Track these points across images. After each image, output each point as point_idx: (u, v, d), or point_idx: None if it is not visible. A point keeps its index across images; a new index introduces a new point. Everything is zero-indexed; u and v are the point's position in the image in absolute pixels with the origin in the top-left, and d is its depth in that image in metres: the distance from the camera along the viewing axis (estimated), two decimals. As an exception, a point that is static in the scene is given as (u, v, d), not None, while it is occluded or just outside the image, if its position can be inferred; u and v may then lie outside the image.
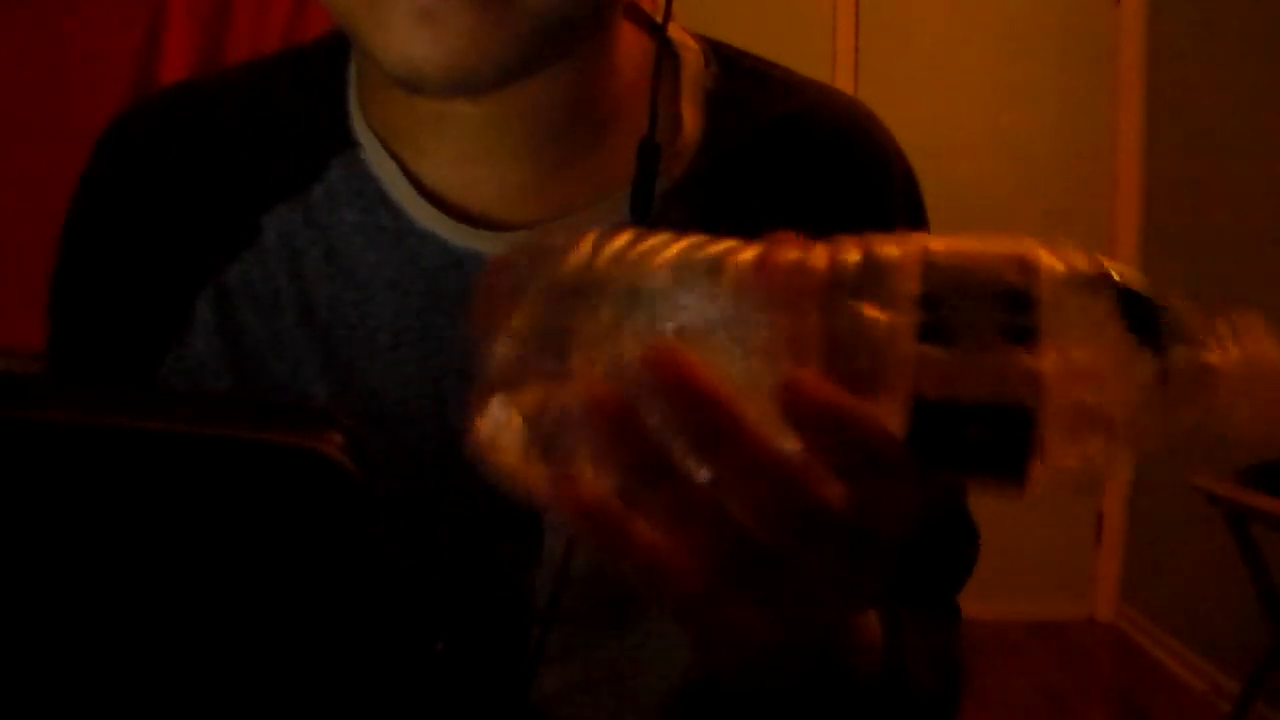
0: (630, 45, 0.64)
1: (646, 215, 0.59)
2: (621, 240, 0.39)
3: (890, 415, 0.36)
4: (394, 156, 0.62)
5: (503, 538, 0.61)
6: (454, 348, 0.62)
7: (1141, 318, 0.36)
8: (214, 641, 0.28)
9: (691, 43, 0.67)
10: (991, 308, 0.35)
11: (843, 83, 3.54)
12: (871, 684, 0.51)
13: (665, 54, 0.65)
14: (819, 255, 0.37)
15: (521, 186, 0.62)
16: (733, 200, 0.63)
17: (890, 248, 0.37)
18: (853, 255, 0.37)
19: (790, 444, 0.36)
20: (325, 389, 0.61)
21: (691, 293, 0.37)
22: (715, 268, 0.38)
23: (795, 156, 0.65)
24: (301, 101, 0.65)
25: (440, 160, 0.62)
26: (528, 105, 0.59)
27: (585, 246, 0.39)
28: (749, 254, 0.38)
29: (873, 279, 0.36)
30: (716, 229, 0.62)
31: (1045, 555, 3.67)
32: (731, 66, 0.67)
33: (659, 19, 0.64)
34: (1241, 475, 2.53)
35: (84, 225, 0.67)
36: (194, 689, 0.28)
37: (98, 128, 0.69)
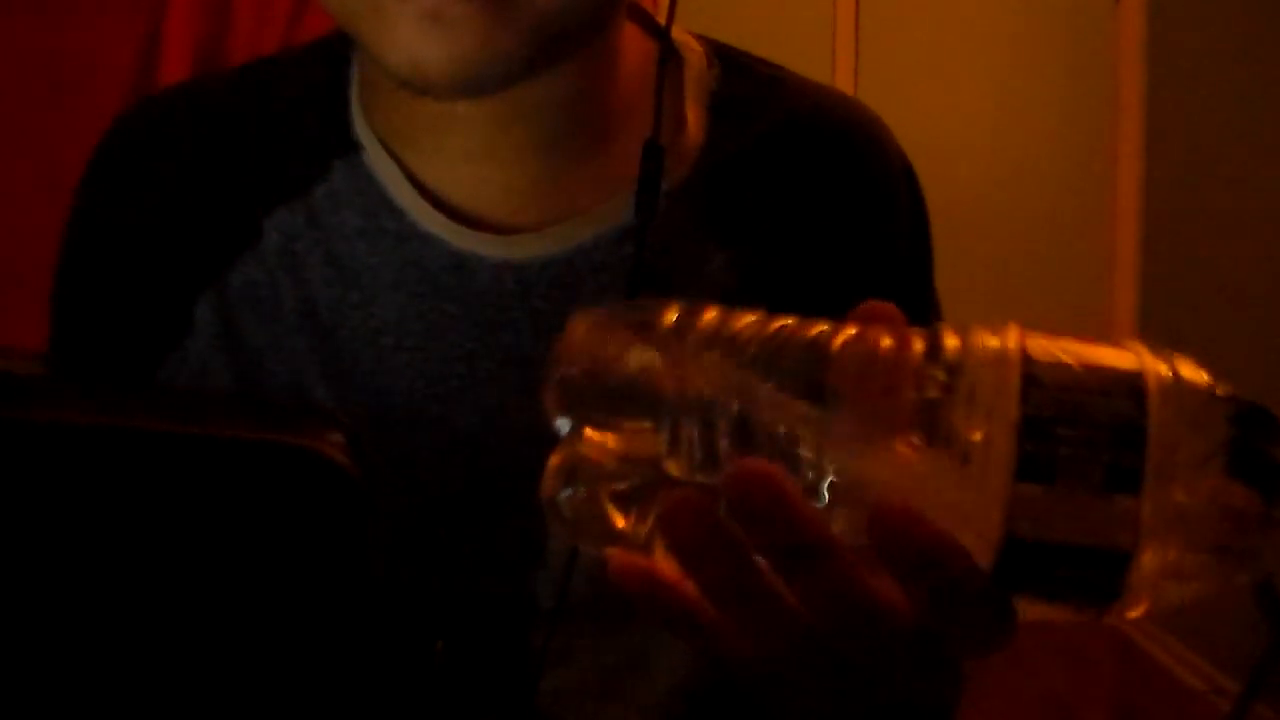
0: (634, 47, 0.64)
1: (652, 217, 0.59)
2: (711, 319, 0.36)
3: (978, 546, 0.34)
4: (396, 158, 0.62)
5: (505, 538, 0.61)
6: (456, 350, 0.61)
7: (1248, 461, 0.34)
8: (214, 641, 0.28)
9: (695, 44, 0.67)
10: (1097, 442, 0.33)
11: (843, 83, 3.54)
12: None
13: (668, 55, 0.65)
14: (915, 342, 0.35)
15: (524, 188, 0.62)
16: (736, 202, 0.63)
17: (989, 345, 0.34)
18: (951, 343, 0.35)
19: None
20: (326, 391, 0.61)
21: (780, 393, 0.35)
22: (813, 364, 0.35)
23: (798, 158, 0.65)
24: (303, 103, 0.65)
25: (442, 162, 0.62)
26: (530, 107, 0.59)
27: (670, 322, 0.36)
28: (845, 345, 0.35)
29: (973, 389, 0.34)
30: (719, 230, 0.62)
31: (1045, 555, 3.67)
32: (735, 68, 0.67)
33: (662, 20, 0.64)
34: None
35: (85, 226, 0.67)
36: (194, 689, 0.28)
37: (98, 129, 0.69)
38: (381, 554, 0.28)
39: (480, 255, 0.61)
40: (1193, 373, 0.35)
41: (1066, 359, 0.34)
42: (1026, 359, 0.34)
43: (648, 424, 0.36)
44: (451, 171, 0.62)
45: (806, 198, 0.63)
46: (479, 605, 0.61)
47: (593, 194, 0.62)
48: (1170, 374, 0.34)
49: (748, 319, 0.37)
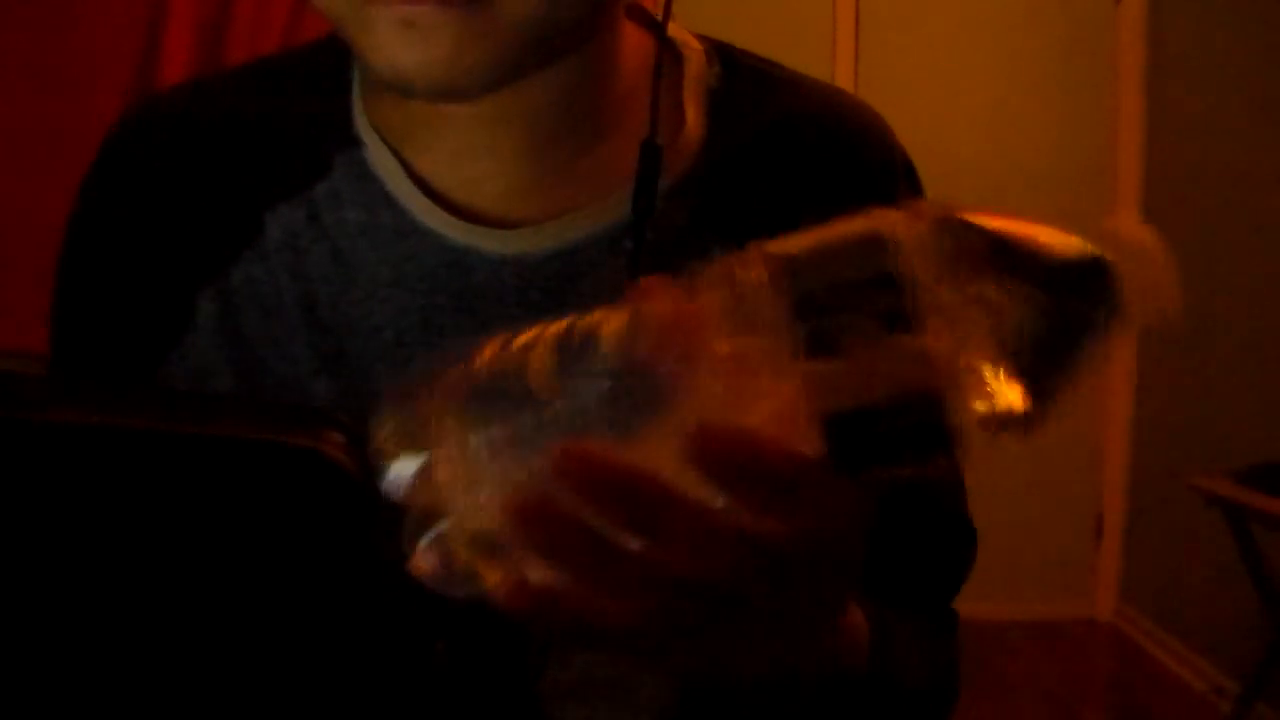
0: (633, 45, 0.64)
1: (650, 214, 0.59)
2: (492, 350, 0.39)
3: (805, 442, 0.35)
4: (396, 155, 0.63)
5: None
6: (455, 344, 0.62)
7: (1007, 254, 0.36)
8: (215, 641, 0.28)
9: (694, 43, 0.67)
10: (862, 300, 0.35)
11: (843, 83, 3.53)
12: (858, 684, 0.51)
13: (668, 53, 0.65)
14: (688, 299, 0.37)
15: (521, 185, 0.62)
16: (734, 199, 0.63)
17: (750, 268, 0.36)
18: (719, 290, 0.37)
19: (708, 493, 0.36)
20: (327, 387, 0.61)
21: (577, 376, 0.37)
22: (592, 343, 0.37)
23: (798, 156, 0.65)
24: (306, 100, 0.65)
25: (439, 158, 0.62)
26: (524, 106, 0.60)
27: (466, 368, 0.39)
28: (619, 320, 0.37)
29: (742, 308, 0.36)
30: (718, 227, 0.62)
31: (1045, 555, 3.68)
32: (734, 66, 0.67)
33: (661, 19, 0.64)
34: (1241, 475, 2.53)
35: (89, 222, 0.67)
36: (195, 688, 0.28)
37: (98, 128, 0.69)
38: (380, 554, 0.28)
39: (479, 250, 0.61)
40: (926, 206, 0.37)
41: (815, 242, 0.36)
42: (786, 258, 0.36)
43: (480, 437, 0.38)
44: (450, 168, 0.62)
45: (806, 194, 0.63)
46: (478, 605, 0.61)
47: (592, 190, 0.62)
48: (903, 217, 0.36)
49: (526, 336, 0.39)
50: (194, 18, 2.25)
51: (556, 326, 0.39)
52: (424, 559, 0.39)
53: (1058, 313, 0.35)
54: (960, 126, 3.59)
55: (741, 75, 0.66)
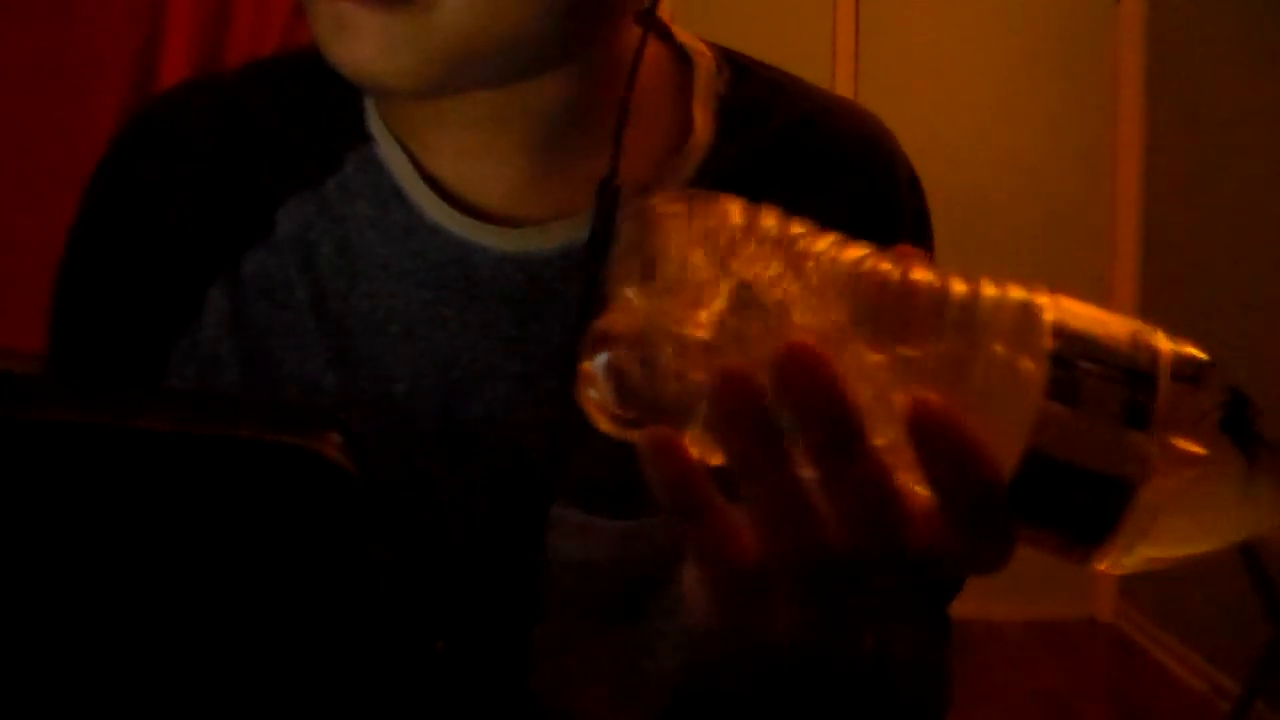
0: (649, 53, 0.65)
1: (602, 256, 0.59)
2: (772, 220, 0.39)
3: (1003, 459, 0.36)
4: (407, 151, 0.63)
5: (506, 528, 0.62)
6: (461, 340, 0.62)
7: (1237, 418, 0.38)
8: (213, 642, 0.28)
9: (704, 49, 0.68)
10: (1116, 381, 0.37)
11: (843, 83, 3.54)
12: (859, 684, 0.51)
13: (678, 60, 0.66)
14: (956, 282, 0.38)
15: (525, 184, 0.62)
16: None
17: (1022, 293, 0.38)
18: (989, 289, 0.38)
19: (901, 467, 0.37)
20: (334, 379, 0.62)
21: (833, 298, 0.37)
22: (858, 279, 0.38)
23: (804, 163, 0.66)
24: (318, 96, 0.66)
25: (444, 156, 0.63)
26: (521, 109, 0.60)
27: (736, 215, 0.39)
28: (888, 268, 0.38)
29: (1007, 322, 0.37)
30: None
31: (1045, 555, 3.67)
32: (743, 73, 0.67)
33: (671, 26, 0.65)
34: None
35: (100, 213, 0.67)
36: (194, 689, 0.28)
37: (98, 128, 0.69)
38: (380, 554, 0.28)
39: (486, 247, 0.62)
40: (1194, 348, 0.40)
41: (1090, 312, 0.38)
42: (1059, 305, 0.38)
43: (696, 290, 0.37)
44: (455, 165, 0.63)
45: (811, 201, 0.64)
46: (479, 596, 0.61)
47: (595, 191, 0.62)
48: (1173, 340, 0.39)
49: (803, 232, 0.39)
50: (194, 18, 2.25)
51: (827, 240, 0.39)
52: (597, 373, 0.38)
53: (1244, 480, 0.38)
54: (960, 126, 3.58)
55: (750, 83, 0.67)
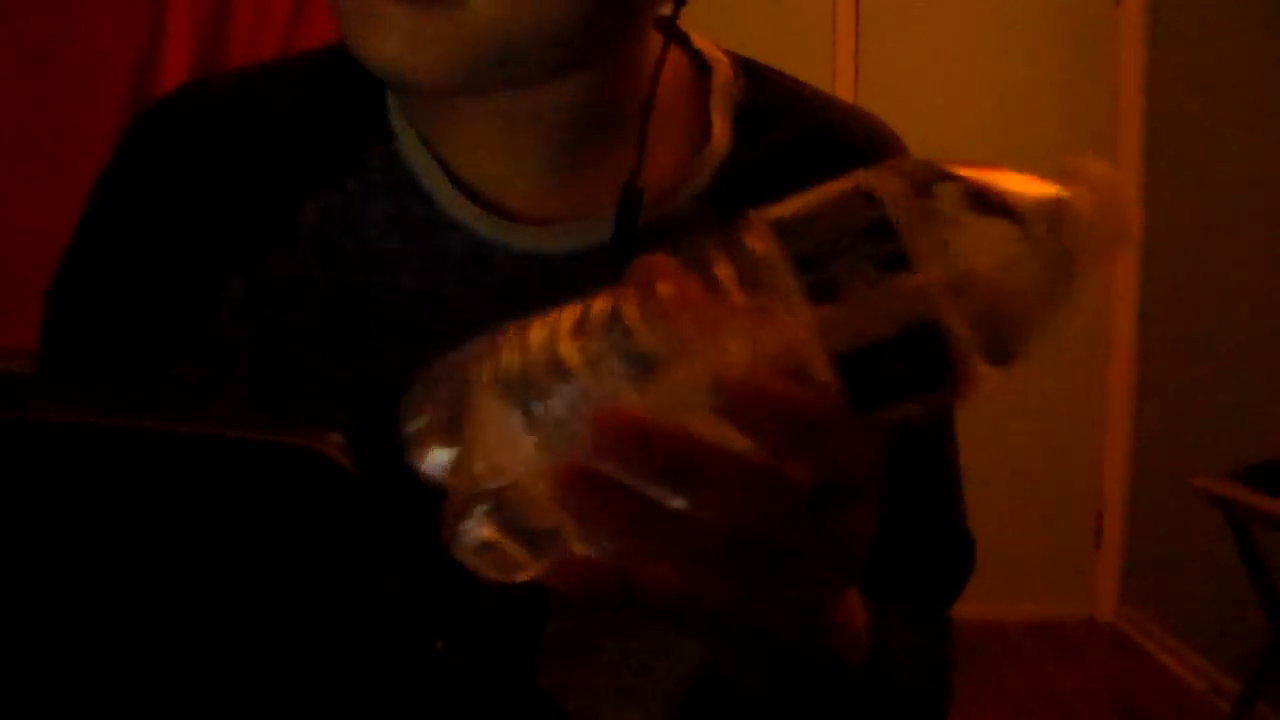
0: (667, 59, 0.65)
1: (632, 254, 0.60)
2: (515, 335, 0.41)
3: (820, 380, 0.38)
4: (429, 148, 0.63)
5: None
6: (481, 333, 0.62)
7: (983, 197, 0.39)
8: (214, 641, 0.28)
9: (721, 56, 0.69)
10: (858, 248, 0.37)
11: (843, 83, 3.54)
12: (858, 677, 0.52)
13: (696, 66, 0.67)
14: (697, 269, 0.39)
15: (545, 184, 0.63)
16: (758, 207, 0.64)
17: (751, 232, 0.39)
18: (725, 257, 0.39)
19: (741, 445, 0.38)
20: (350, 375, 0.62)
21: (602, 352, 0.39)
22: (614, 319, 0.39)
23: (819, 169, 0.66)
24: (341, 93, 0.66)
25: (463, 154, 0.63)
26: (536, 110, 0.60)
27: (492, 355, 0.41)
28: (634, 299, 0.39)
29: (749, 270, 0.38)
30: None
31: (1045, 555, 3.68)
32: (760, 81, 0.68)
33: (685, 31, 0.65)
34: (1241, 475, 2.54)
35: (113, 203, 0.67)
36: (194, 688, 0.28)
37: (97, 129, 0.69)
38: (380, 555, 0.28)
39: (506, 245, 0.62)
40: (910, 161, 0.40)
41: (802, 204, 0.39)
42: (776, 220, 0.39)
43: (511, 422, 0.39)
44: (477, 163, 0.63)
45: None
46: (487, 594, 0.61)
47: (615, 192, 0.63)
48: (883, 171, 0.39)
49: (550, 321, 0.41)
50: (194, 18, 2.25)
51: (573, 309, 0.40)
52: (466, 544, 0.40)
53: (1030, 250, 0.38)
54: (960, 126, 3.58)
55: (766, 90, 0.68)
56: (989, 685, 3.14)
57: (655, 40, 0.64)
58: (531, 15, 0.54)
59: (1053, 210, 0.39)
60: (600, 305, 0.40)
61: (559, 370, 0.39)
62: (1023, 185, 0.39)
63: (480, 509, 0.39)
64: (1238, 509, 2.51)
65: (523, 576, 0.40)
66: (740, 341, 0.38)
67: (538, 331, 0.40)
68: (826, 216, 0.38)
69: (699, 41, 0.68)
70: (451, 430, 0.40)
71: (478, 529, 0.39)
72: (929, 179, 0.39)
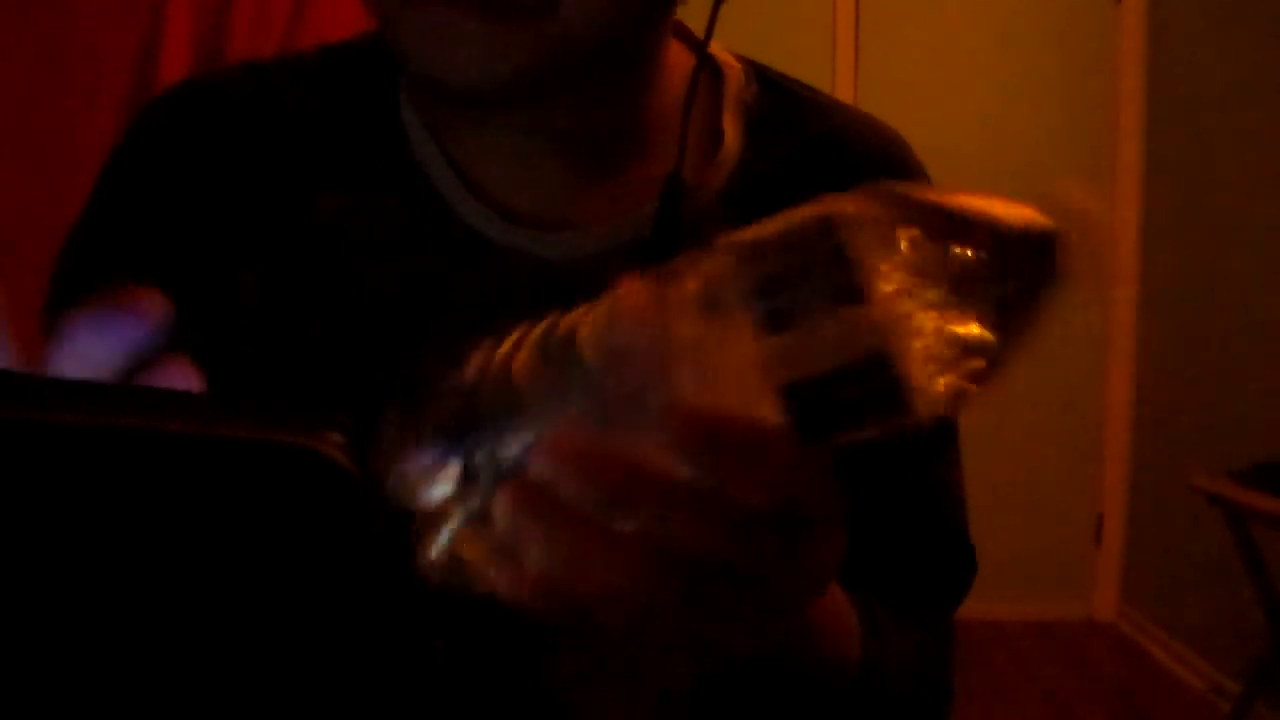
0: (678, 62, 0.65)
1: (676, 247, 0.60)
2: (482, 353, 0.42)
3: (765, 410, 0.38)
4: (441, 148, 0.63)
5: None
6: (490, 337, 0.62)
7: (946, 219, 0.38)
8: (213, 642, 0.28)
9: (733, 61, 0.69)
10: (815, 277, 0.37)
11: (843, 82, 3.54)
12: (850, 681, 0.52)
13: (707, 70, 0.66)
14: (659, 291, 0.39)
15: (561, 189, 0.63)
16: (770, 212, 0.64)
17: (715, 256, 0.39)
18: (688, 279, 0.39)
19: (686, 470, 0.38)
20: (359, 373, 0.61)
21: (559, 373, 0.39)
22: (571, 339, 0.40)
23: (829, 174, 0.66)
24: (355, 90, 0.66)
25: (478, 155, 0.63)
26: (564, 117, 0.60)
27: (460, 372, 0.41)
28: (596, 315, 0.40)
29: (708, 294, 0.38)
30: None
31: (1045, 555, 3.68)
32: (771, 86, 0.68)
33: (701, 35, 0.65)
34: (1241, 475, 2.54)
35: (120, 194, 0.66)
36: (192, 690, 0.28)
37: (97, 128, 0.69)
38: (380, 556, 0.28)
39: (519, 250, 0.62)
40: (874, 192, 0.39)
41: (768, 229, 0.39)
42: (735, 245, 0.39)
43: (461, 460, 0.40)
44: (492, 166, 0.63)
45: None
46: (481, 602, 0.61)
47: (633, 197, 0.63)
48: (855, 199, 0.38)
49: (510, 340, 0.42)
50: (194, 17, 2.25)
51: (540, 326, 0.41)
52: (432, 560, 0.41)
53: (1006, 278, 0.37)
54: (960, 126, 3.59)
55: (777, 95, 0.68)
56: (989, 685, 3.14)
57: (672, 47, 0.64)
58: (610, 27, 0.53)
59: (1027, 241, 0.38)
60: (566, 322, 0.41)
61: (513, 390, 0.40)
62: (1003, 213, 0.38)
63: (447, 526, 0.40)
64: (1238, 509, 2.51)
65: (484, 591, 0.41)
66: (691, 368, 0.38)
67: (501, 350, 0.41)
68: (791, 241, 0.38)
69: (711, 45, 0.69)
70: (421, 444, 0.41)
71: (443, 546, 0.40)
72: (901, 206, 0.38)
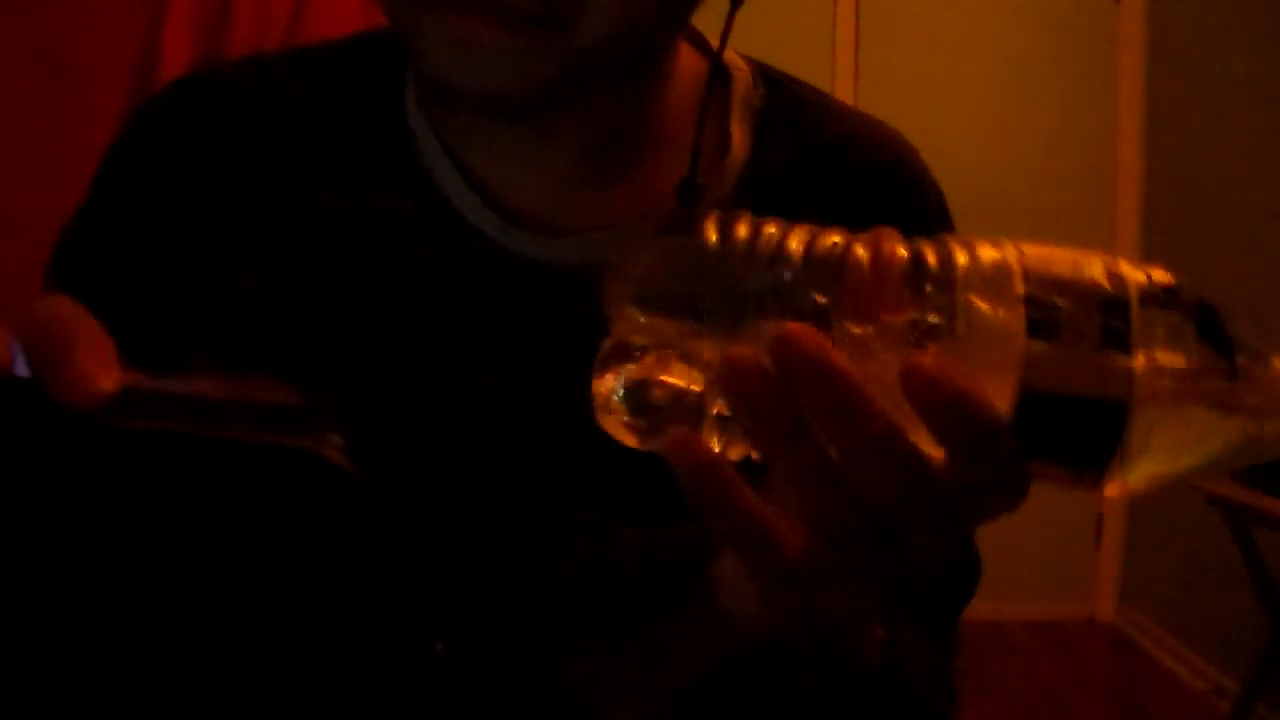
0: (686, 65, 0.65)
1: None
2: (745, 225, 0.41)
3: (998, 403, 0.38)
4: (447, 149, 0.63)
5: (530, 531, 0.62)
6: (492, 344, 0.62)
7: (1212, 327, 0.40)
8: (213, 642, 0.28)
9: (741, 63, 0.68)
10: (1089, 310, 0.38)
11: (843, 83, 3.54)
12: (872, 683, 0.52)
13: (717, 74, 0.66)
14: (927, 251, 0.40)
15: (568, 194, 0.62)
16: (777, 216, 0.64)
17: (991, 250, 0.40)
18: (960, 255, 0.40)
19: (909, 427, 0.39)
20: (361, 372, 0.61)
21: (818, 284, 0.39)
22: (840, 263, 0.40)
23: (837, 179, 0.66)
24: (361, 88, 0.65)
25: (485, 157, 0.62)
26: (573, 123, 0.60)
27: (712, 229, 0.41)
28: (864, 250, 0.40)
29: (981, 277, 0.39)
30: None
31: (1045, 555, 3.68)
32: (779, 90, 0.68)
33: (709, 37, 0.65)
34: (1241, 475, 2.53)
35: (121, 189, 0.65)
36: (192, 690, 0.28)
37: (97, 128, 0.68)
38: (380, 557, 0.28)
39: (523, 253, 0.61)
40: (1161, 269, 0.42)
41: (1059, 254, 0.40)
42: (1023, 253, 0.40)
43: (699, 315, 0.40)
44: (498, 168, 0.62)
45: (843, 217, 0.64)
46: (501, 600, 0.61)
47: (639, 203, 0.63)
48: (1139, 266, 0.41)
49: (781, 232, 0.42)
50: (194, 17, 2.25)
51: (803, 232, 0.41)
52: (607, 390, 0.41)
53: (1228, 386, 0.40)
54: (960, 126, 3.59)
55: (785, 99, 0.68)
56: (989, 685, 3.14)
57: (683, 50, 0.64)
58: (633, 34, 0.53)
59: (1266, 373, 0.40)
60: (830, 241, 0.41)
61: (779, 259, 0.40)
62: (1243, 334, 0.41)
63: (632, 360, 0.40)
64: (1238, 509, 2.51)
65: (644, 445, 0.41)
66: (947, 329, 0.39)
67: (770, 226, 0.41)
68: (1074, 275, 0.39)
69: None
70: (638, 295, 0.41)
71: (630, 380, 0.40)
72: (1173, 288, 0.41)
